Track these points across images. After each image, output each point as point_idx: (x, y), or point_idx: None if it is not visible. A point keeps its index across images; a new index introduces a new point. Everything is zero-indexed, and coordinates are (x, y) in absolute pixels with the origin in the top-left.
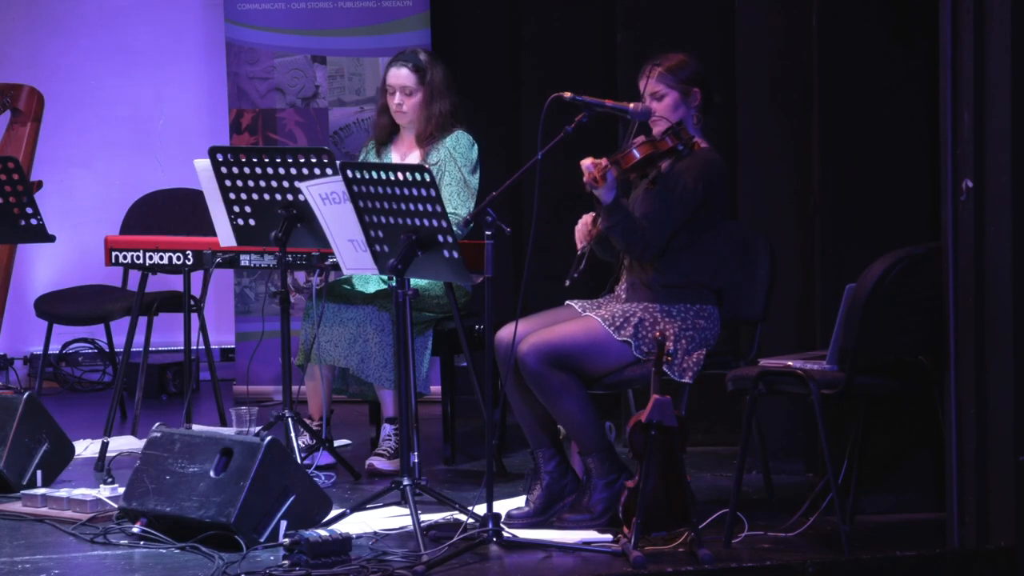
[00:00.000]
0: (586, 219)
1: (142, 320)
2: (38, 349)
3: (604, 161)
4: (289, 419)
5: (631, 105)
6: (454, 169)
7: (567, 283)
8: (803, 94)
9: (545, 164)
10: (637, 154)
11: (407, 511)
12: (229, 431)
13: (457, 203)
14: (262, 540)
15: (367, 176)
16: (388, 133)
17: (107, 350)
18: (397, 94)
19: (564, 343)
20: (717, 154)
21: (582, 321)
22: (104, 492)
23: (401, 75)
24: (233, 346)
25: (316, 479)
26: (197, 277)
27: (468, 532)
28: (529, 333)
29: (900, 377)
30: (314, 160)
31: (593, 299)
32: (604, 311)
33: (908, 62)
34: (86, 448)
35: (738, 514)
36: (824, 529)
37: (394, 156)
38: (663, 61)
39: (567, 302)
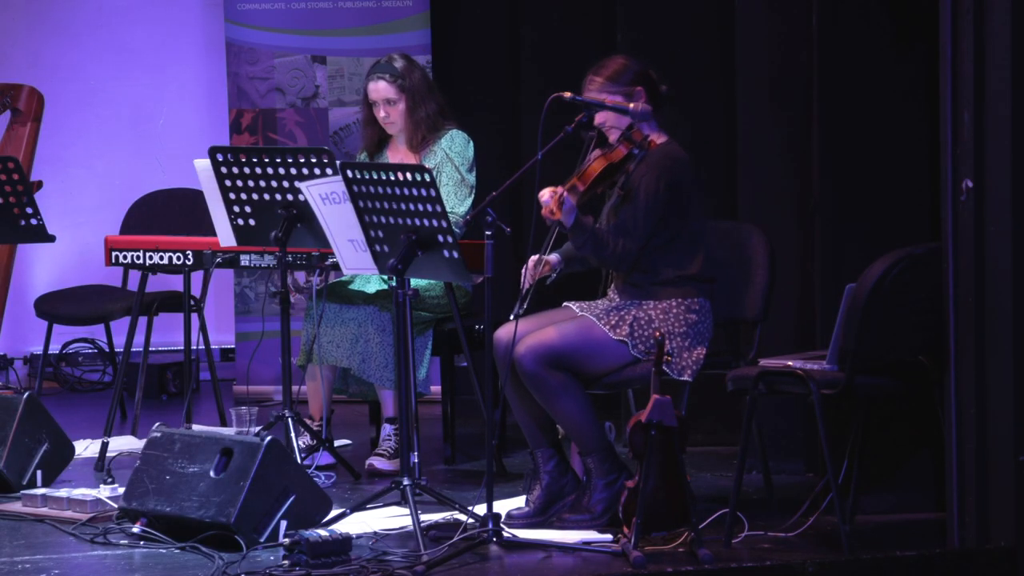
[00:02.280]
0: (533, 259)
1: (142, 320)
2: (38, 349)
3: (560, 189)
4: (289, 419)
5: (631, 105)
6: (451, 169)
7: (511, 318)
8: (803, 94)
9: (545, 164)
10: (595, 169)
11: (407, 511)
12: (229, 431)
13: (454, 202)
14: (262, 540)
15: (367, 176)
16: (377, 142)
17: (107, 350)
18: (380, 107)
19: (561, 344)
20: (677, 146)
21: (578, 321)
22: (104, 492)
23: (380, 88)
24: (233, 346)
25: (316, 479)
26: (197, 277)
27: (468, 532)
28: (525, 334)
29: (900, 377)
30: (314, 160)
31: (590, 301)
32: (599, 310)
33: (908, 62)
34: (86, 448)
35: (738, 514)
36: (824, 529)
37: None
38: (601, 71)
39: (564, 304)
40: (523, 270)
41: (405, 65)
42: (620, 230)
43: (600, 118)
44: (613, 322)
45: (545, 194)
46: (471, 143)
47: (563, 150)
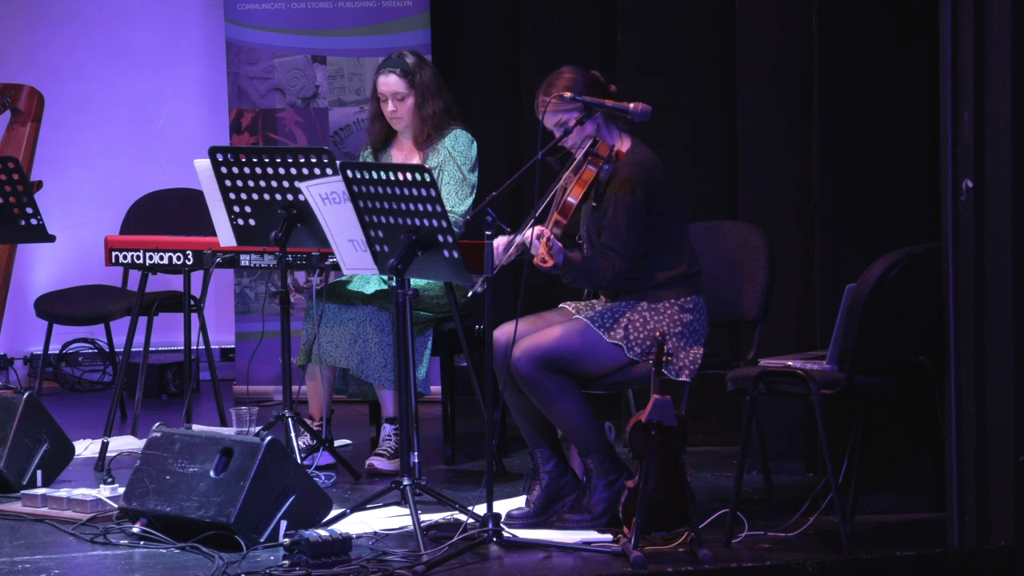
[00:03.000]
0: (501, 241)
1: (142, 320)
2: (38, 349)
3: (547, 232)
4: (289, 419)
5: (631, 105)
6: (453, 168)
7: (478, 289)
8: (803, 94)
9: (545, 164)
10: (574, 200)
11: (407, 511)
12: (229, 431)
13: (455, 201)
14: (262, 540)
15: (367, 176)
16: (383, 139)
17: (107, 350)
18: (389, 101)
19: (556, 346)
20: (644, 147)
21: (572, 324)
22: (104, 492)
23: (390, 82)
24: (233, 346)
25: (316, 479)
26: (197, 277)
27: (468, 532)
28: (521, 337)
29: (900, 377)
30: (314, 160)
31: (587, 301)
32: (594, 312)
33: (908, 62)
34: (86, 448)
35: (738, 514)
36: (824, 529)
37: (393, 161)
38: (551, 90)
39: (561, 304)
40: (494, 249)
41: (416, 61)
42: (606, 250)
43: (566, 141)
44: (607, 325)
45: (534, 235)
46: (474, 144)
47: (563, 150)
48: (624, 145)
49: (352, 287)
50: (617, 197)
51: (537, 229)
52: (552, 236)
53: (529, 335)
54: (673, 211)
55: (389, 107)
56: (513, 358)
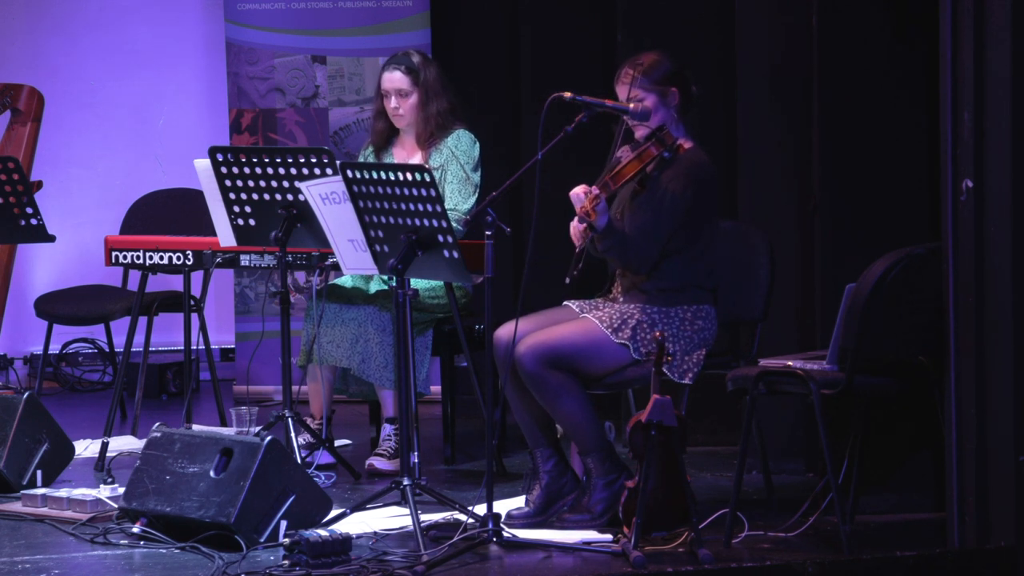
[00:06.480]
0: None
1: (142, 320)
2: (38, 349)
3: (595, 190)
4: (289, 419)
5: (631, 105)
6: (456, 167)
7: (567, 281)
8: (803, 93)
9: (545, 164)
10: (628, 171)
11: (407, 511)
12: (229, 431)
13: (459, 200)
14: (262, 540)
15: (367, 176)
16: (386, 137)
17: (107, 350)
18: (393, 98)
19: (562, 344)
20: (703, 153)
21: (580, 322)
22: (104, 492)
23: (395, 78)
24: (233, 346)
25: (316, 479)
26: (197, 277)
27: (468, 532)
28: (526, 334)
29: (900, 377)
30: (314, 160)
31: (591, 300)
32: (602, 312)
33: (908, 61)
34: (86, 448)
35: (738, 514)
36: (824, 529)
37: (395, 160)
38: (636, 65)
39: (565, 303)
40: (571, 231)
41: (421, 60)
42: (643, 234)
43: (637, 128)
44: (616, 325)
45: (579, 192)
46: (477, 143)
47: (563, 150)
48: (687, 144)
49: (353, 287)
50: (667, 187)
51: (584, 187)
52: (601, 194)
53: (534, 332)
54: (708, 222)
55: (392, 103)
56: (518, 354)
